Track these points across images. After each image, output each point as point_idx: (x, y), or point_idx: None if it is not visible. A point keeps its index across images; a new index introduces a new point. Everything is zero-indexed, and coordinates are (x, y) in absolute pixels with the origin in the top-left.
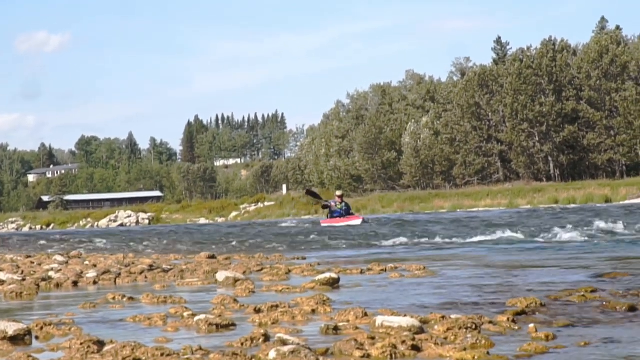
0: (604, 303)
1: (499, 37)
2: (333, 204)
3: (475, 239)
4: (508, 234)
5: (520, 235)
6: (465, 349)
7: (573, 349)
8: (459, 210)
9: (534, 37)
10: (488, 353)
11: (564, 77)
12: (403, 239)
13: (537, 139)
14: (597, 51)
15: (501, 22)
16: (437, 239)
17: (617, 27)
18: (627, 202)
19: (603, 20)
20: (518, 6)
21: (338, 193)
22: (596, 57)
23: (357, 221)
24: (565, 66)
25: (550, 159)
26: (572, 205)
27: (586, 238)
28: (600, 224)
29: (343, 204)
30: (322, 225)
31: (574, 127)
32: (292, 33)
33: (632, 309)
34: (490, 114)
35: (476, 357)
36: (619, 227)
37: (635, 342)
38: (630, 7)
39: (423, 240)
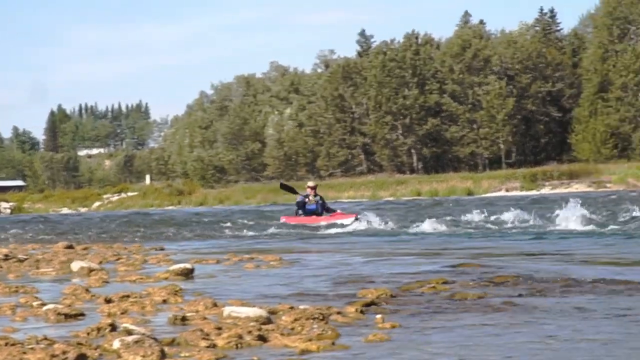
0: (454, 294)
1: (363, 30)
2: (305, 199)
3: (337, 230)
4: (365, 225)
5: (381, 227)
6: (310, 340)
7: (417, 338)
8: None
9: (398, 31)
10: (333, 343)
11: (427, 70)
12: (272, 230)
13: (400, 131)
14: (460, 45)
15: (366, 15)
16: (295, 230)
17: (481, 22)
18: (488, 194)
19: (466, 14)
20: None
21: (310, 184)
22: (459, 51)
23: (348, 220)
24: (428, 59)
25: (413, 151)
26: (435, 198)
27: (445, 230)
28: (461, 216)
29: (317, 197)
30: (284, 222)
31: (437, 120)
32: (157, 23)
33: (480, 298)
34: (354, 106)
35: (321, 347)
36: (478, 219)
37: (479, 331)
38: (493, 1)
39: (286, 231)
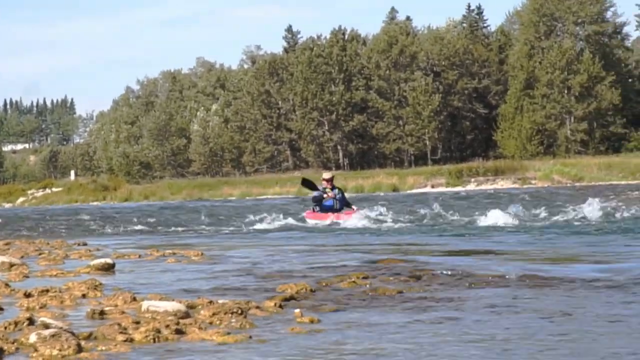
0: (373, 288)
1: (290, 26)
2: (322, 194)
3: (262, 226)
4: (292, 221)
5: (305, 224)
6: (228, 333)
7: (334, 332)
8: (247, 197)
9: (325, 27)
10: (250, 337)
11: (354, 66)
12: (196, 226)
13: (326, 127)
14: (387, 41)
15: (292, 11)
16: (223, 226)
17: (407, 18)
18: (414, 191)
19: (393, 10)
20: None
21: (326, 176)
22: (386, 48)
23: (351, 218)
24: (355, 56)
25: (339, 147)
26: (360, 194)
27: (370, 225)
28: (384, 212)
29: (335, 190)
30: (308, 220)
31: (363, 117)
32: (83, 18)
33: (399, 293)
34: (280, 102)
35: (238, 341)
36: (402, 215)
37: (396, 325)
38: None
39: (206, 225)
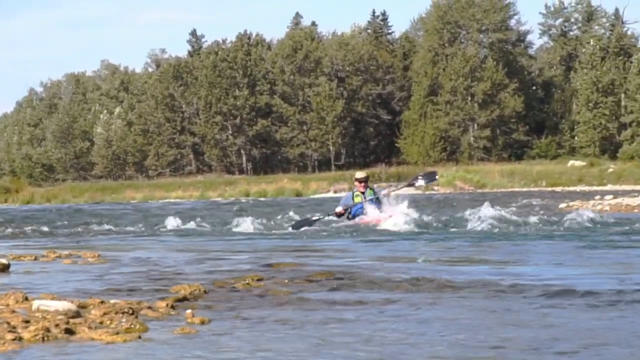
0: (267, 290)
1: (194, 30)
2: (351, 199)
3: (162, 229)
4: (192, 224)
5: (206, 226)
6: (118, 333)
7: (224, 332)
8: (150, 201)
9: (230, 31)
10: (140, 337)
11: (259, 71)
12: (95, 227)
13: (230, 132)
14: (292, 46)
15: (197, 15)
16: (121, 228)
17: (312, 23)
18: (317, 196)
19: (298, 16)
20: None
21: (359, 175)
22: (290, 52)
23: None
24: (259, 60)
25: (243, 152)
26: (263, 199)
27: (267, 229)
28: (285, 216)
29: (368, 190)
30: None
31: (267, 121)
32: None
33: (292, 295)
34: (184, 105)
35: (126, 340)
36: (292, 218)
37: (288, 327)
38: (325, 3)
39: (106, 228)
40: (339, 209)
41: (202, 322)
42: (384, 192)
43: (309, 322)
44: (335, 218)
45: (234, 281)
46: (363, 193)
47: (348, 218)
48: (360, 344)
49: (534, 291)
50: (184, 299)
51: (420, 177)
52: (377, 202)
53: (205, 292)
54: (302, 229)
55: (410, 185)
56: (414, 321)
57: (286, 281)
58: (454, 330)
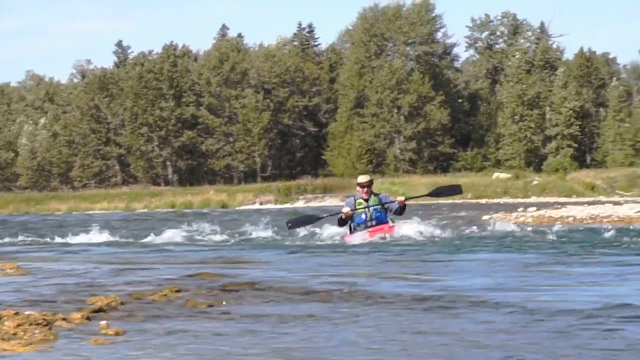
0: (184, 301)
1: (120, 41)
2: (350, 208)
3: (85, 240)
4: (115, 236)
5: (129, 237)
6: (31, 344)
7: (138, 343)
8: (75, 212)
9: (156, 42)
10: (52, 347)
11: (185, 82)
12: (17, 239)
13: (156, 143)
14: (218, 58)
15: (123, 26)
16: (43, 240)
17: (239, 35)
18: (243, 207)
19: (224, 27)
20: (141, 10)
21: (361, 179)
22: (217, 64)
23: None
24: (185, 72)
25: (168, 163)
26: (189, 210)
27: (189, 241)
28: (209, 227)
29: (372, 197)
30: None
31: (193, 133)
32: None
33: (210, 307)
34: (109, 117)
35: (38, 351)
36: (225, 230)
37: (205, 338)
38: (251, 15)
39: (29, 239)
40: (346, 209)
41: (117, 334)
42: (399, 198)
43: (222, 334)
44: (337, 223)
45: (152, 292)
46: (366, 200)
47: (350, 229)
48: (269, 356)
49: (458, 302)
50: (100, 310)
51: (443, 190)
52: (383, 210)
53: (122, 303)
54: (299, 228)
55: (434, 195)
56: (327, 333)
57: (204, 292)
58: (368, 343)
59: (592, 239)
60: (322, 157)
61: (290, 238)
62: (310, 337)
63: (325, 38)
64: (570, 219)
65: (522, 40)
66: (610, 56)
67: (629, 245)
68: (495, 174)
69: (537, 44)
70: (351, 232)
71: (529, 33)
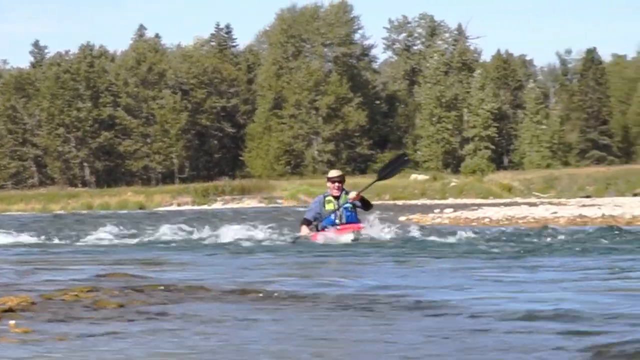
0: (95, 301)
1: (37, 41)
2: (321, 203)
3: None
4: (29, 236)
5: (45, 240)
6: None
7: (48, 343)
8: None
9: (73, 43)
10: None
11: (102, 83)
12: None
13: (73, 144)
14: (135, 58)
15: (40, 26)
16: None
17: (156, 35)
18: (160, 209)
19: (142, 28)
20: (58, 10)
21: (332, 174)
22: (134, 65)
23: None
24: (103, 72)
25: (86, 164)
26: (106, 211)
27: (105, 241)
28: (125, 228)
29: (344, 193)
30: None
31: (111, 134)
32: None
33: (121, 307)
34: (26, 117)
35: None
36: (144, 231)
37: (110, 338)
38: (169, 16)
39: None
40: (304, 231)
41: (25, 332)
42: (351, 195)
43: (131, 334)
44: (305, 215)
45: (63, 292)
46: (337, 198)
47: (317, 230)
48: (174, 356)
49: (358, 302)
50: (9, 310)
51: (391, 169)
52: (354, 210)
53: (32, 303)
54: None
55: (384, 177)
56: (231, 334)
57: (116, 292)
58: (270, 341)
59: (512, 241)
60: (240, 158)
61: (207, 240)
62: (216, 338)
63: (243, 39)
64: (486, 220)
65: (439, 42)
66: (527, 58)
67: (550, 246)
68: (413, 176)
69: (454, 45)
70: (317, 228)
71: (447, 35)
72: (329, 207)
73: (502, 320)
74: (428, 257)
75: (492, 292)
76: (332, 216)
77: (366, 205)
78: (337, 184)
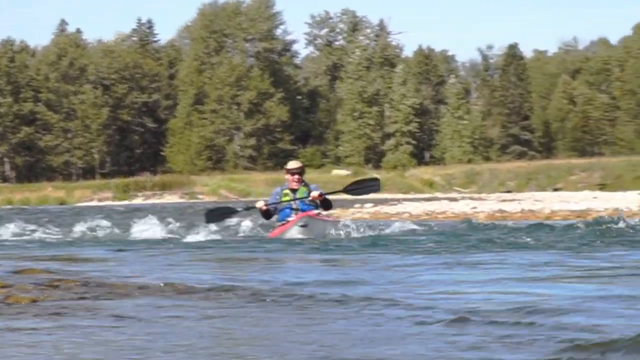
0: (6, 297)
1: None
2: (278, 196)
3: None
4: None
5: None
6: None
7: None
8: None
9: None
10: None
11: (23, 78)
12: None
13: None
14: (56, 53)
15: None
16: None
17: (78, 30)
18: (80, 204)
19: (63, 22)
20: None
21: (291, 166)
22: (55, 60)
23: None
24: (24, 67)
25: (6, 160)
26: (26, 207)
27: (20, 237)
28: (41, 223)
29: (302, 185)
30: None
31: (31, 129)
32: None
33: (34, 302)
34: None
35: None
36: (57, 227)
37: (26, 334)
38: (90, 11)
39: None
40: (260, 203)
41: None
42: (313, 194)
43: (42, 330)
44: (261, 215)
45: None
46: (294, 191)
47: (281, 217)
48: (82, 352)
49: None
50: None
51: (359, 188)
52: (312, 204)
53: None
54: (216, 221)
55: (349, 191)
56: (145, 327)
57: (30, 287)
58: (182, 337)
59: (431, 234)
60: (162, 153)
61: (126, 235)
62: (129, 333)
63: (165, 34)
64: (406, 215)
65: (361, 38)
66: (449, 54)
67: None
68: (335, 171)
69: (376, 41)
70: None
71: (368, 30)
72: (286, 199)
73: (428, 315)
74: (355, 252)
75: (416, 288)
76: (288, 210)
77: (325, 205)
78: (296, 176)
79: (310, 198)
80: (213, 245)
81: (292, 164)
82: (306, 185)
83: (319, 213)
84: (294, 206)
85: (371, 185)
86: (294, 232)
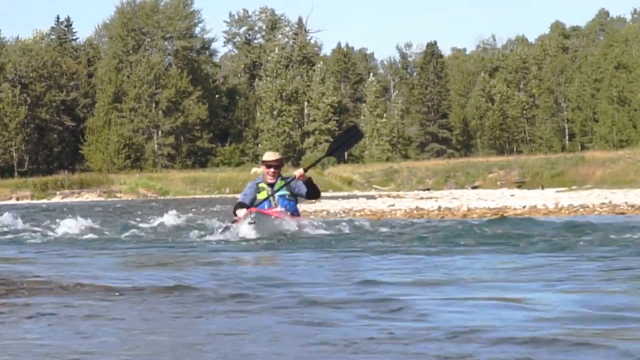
0: None
1: None
2: (254, 188)
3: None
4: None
5: None
6: None
7: None
8: None
9: None
10: None
11: None
12: None
13: None
14: None
15: None
16: None
17: None
18: None
19: None
20: None
21: (268, 157)
22: None
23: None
24: None
25: None
26: None
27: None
28: None
29: (279, 179)
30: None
31: None
32: None
33: None
34: None
35: None
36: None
37: None
38: (7, 9)
39: None
40: (239, 212)
41: None
42: (295, 173)
43: None
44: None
45: None
46: (271, 185)
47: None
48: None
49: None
50: None
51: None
52: (293, 199)
53: None
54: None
55: (335, 151)
56: (62, 325)
57: None
58: (102, 334)
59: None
60: (80, 152)
61: (43, 234)
62: (45, 331)
63: (83, 32)
64: (324, 212)
65: (280, 36)
66: (368, 52)
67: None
68: (253, 169)
69: (295, 39)
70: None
71: (287, 28)
72: (261, 196)
73: (350, 312)
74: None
75: (341, 284)
76: (266, 205)
77: (312, 189)
78: (272, 170)
79: (296, 178)
80: (132, 244)
81: (269, 156)
82: (284, 179)
83: (293, 213)
84: (273, 201)
85: (352, 135)
86: (244, 230)
